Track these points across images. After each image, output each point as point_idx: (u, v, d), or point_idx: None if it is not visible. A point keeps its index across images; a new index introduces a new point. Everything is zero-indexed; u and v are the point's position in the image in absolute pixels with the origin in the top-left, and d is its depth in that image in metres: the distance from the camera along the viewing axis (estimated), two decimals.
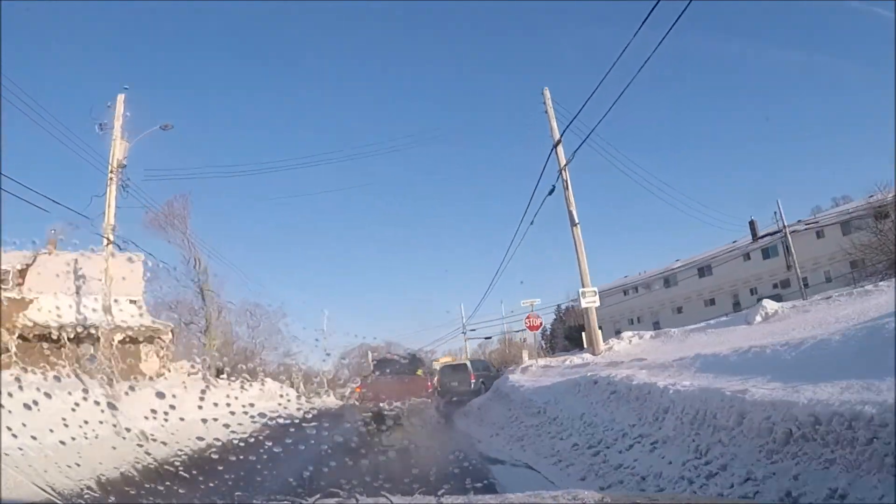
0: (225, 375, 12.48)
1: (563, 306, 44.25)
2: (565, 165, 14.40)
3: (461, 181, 77.89)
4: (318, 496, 2.38)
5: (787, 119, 56.41)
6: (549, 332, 43.92)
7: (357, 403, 10.25)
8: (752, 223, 26.15)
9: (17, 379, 3.02)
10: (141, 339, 16.57)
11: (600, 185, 67.28)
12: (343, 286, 75.00)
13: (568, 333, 41.02)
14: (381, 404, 8.69)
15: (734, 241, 32.80)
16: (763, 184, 57.32)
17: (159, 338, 17.77)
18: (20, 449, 2.95)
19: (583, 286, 14.35)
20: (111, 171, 13.77)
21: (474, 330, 37.62)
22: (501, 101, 74.21)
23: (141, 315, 17.00)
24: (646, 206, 68.17)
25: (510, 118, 71.26)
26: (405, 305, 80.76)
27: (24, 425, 3.08)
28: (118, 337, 13.84)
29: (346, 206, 78.12)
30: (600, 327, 41.36)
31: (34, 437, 3.08)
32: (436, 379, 13.65)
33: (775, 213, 26.80)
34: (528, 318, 16.10)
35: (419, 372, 11.66)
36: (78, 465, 3.10)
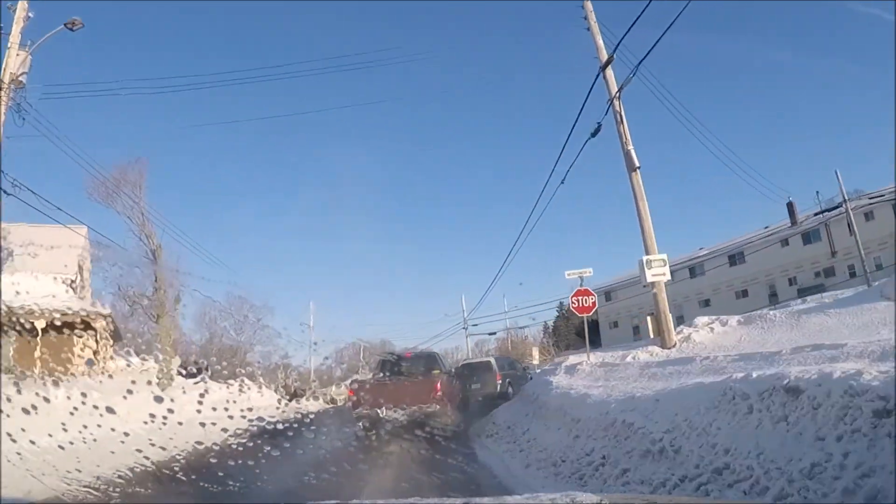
0: (185, 374, 10.76)
1: (565, 304, 42.98)
2: (618, 92, 11.44)
3: (466, 161, 69.21)
4: (318, 500, 2.25)
5: (789, 117, 53.30)
6: (551, 330, 42.13)
7: (351, 410, 8.69)
8: (790, 205, 23.49)
9: (16, 383, 3.04)
10: (72, 327, 13.64)
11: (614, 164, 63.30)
12: (331, 280, 68.25)
13: (579, 329, 39.72)
14: (378, 411, 7.73)
15: (766, 227, 29.54)
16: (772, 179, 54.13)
17: (91, 326, 14.52)
18: (18, 454, 2.95)
19: (647, 252, 11.09)
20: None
21: (476, 325, 34.79)
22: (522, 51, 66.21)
23: (66, 299, 13.66)
24: (667, 187, 64.11)
25: (533, 78, 63.00)
26: (399, 301, 73.43)
27: (23, 430, 3.09)
28: (40, 324, 11.42)
29: (336, 189, 71.40)
30: (616, 323, 38.25)
31: (33, 442, 3.09)
32: (442, 381, 10.11)
33: (817, 193, 24.70)
34: (575, 295, 11.71)
35: (435, 372, 9.86)
36: (78, 470, 3.09)
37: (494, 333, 38.20)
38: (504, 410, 10.78)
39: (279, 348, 28.74)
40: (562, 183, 12.62)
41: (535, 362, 26.37)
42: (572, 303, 11.75)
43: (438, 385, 8.81)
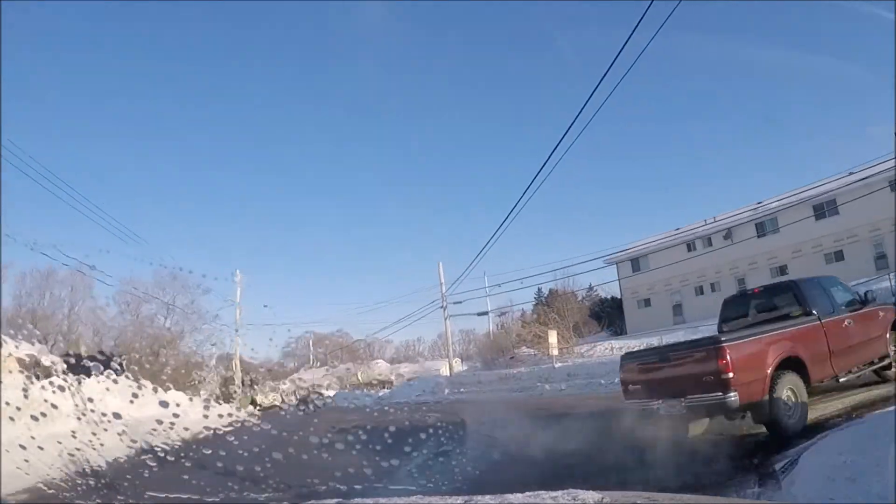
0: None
1: (544, 289, 35.96)
2: None
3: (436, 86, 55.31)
4: (317, 500, 2.29)
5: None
6: (531, 317, 35.15)
7: (625, 398, 5.60)
8: None
9: (24, 390, 3.07)
10: None
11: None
12: (264, 252, 57.42)
13: (600, 310, 33.28)
14: (652, 402, 4.99)
15: (850, 173, 22.22)
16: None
17: None
18: (26, 461, 3.00)
19: None
20: None
21: (460, 303, 26.48)
22: None
23: None
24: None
25: None
26: (351, 278, 64.37)
27: (32, 438, 3.14)
28: None
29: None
30: (647, 301, 29.94)
31: (41, 448, 3.15)
32: (735, 346, 4.91)
33: None
34: None
35: (796, 314, 5.79)
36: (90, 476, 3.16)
37: (486, 313, 30.84)
38: None
39: (212, 336, 25.31)
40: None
41: (555, 352, 20.87)
42: None
43: (725, 354, 4.65)
